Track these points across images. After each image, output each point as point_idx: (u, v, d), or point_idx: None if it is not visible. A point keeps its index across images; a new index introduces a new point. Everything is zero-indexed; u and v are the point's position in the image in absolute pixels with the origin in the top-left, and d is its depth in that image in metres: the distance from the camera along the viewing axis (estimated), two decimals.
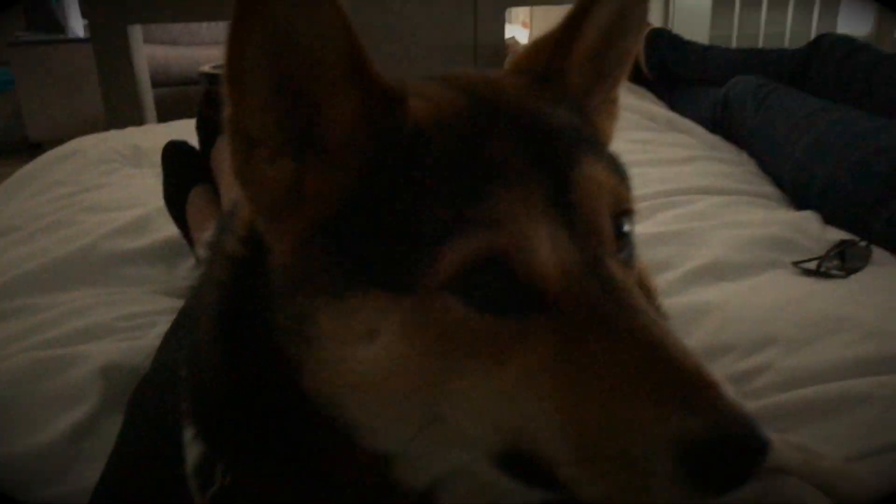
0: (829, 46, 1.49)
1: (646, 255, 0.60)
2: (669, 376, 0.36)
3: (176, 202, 1.05)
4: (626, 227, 0.44)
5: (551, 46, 0.49)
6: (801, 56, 1.54)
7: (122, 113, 2.19)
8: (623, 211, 0.43)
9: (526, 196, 0.38)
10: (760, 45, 2.55)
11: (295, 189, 0.40)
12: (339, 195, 0.40)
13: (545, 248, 0.37)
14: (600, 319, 0.37)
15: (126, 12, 2.14)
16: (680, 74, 1.81)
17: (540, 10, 3.00)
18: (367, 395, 0.40)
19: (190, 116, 1.93)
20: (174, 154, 1.09)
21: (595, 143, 0.46)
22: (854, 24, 2.63)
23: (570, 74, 0.49)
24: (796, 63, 1.54)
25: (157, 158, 1.42)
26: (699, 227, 0.99)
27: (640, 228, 0.96)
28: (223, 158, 1.04)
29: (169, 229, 1.13)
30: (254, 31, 0.38)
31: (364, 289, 0.38)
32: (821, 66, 1.49)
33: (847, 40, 1.50)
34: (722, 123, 1.49)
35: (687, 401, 0.35)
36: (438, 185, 0.38)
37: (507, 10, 2.36)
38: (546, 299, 0.38)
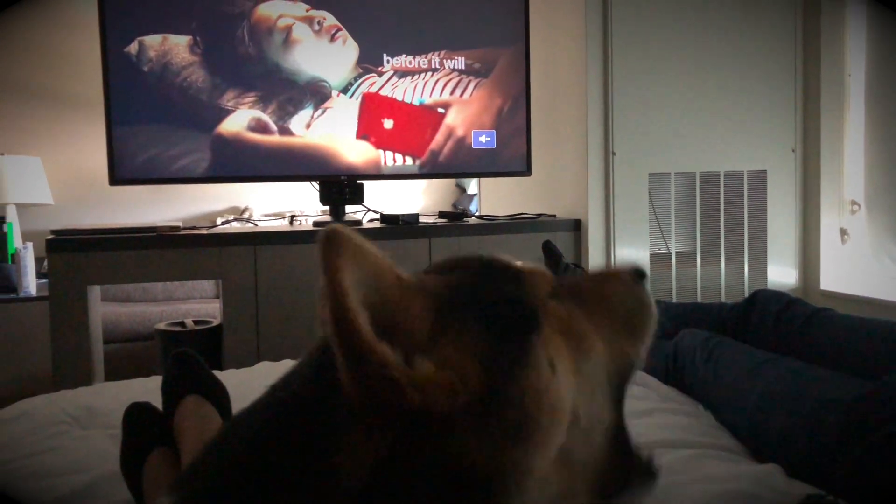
0: (764, 301, 1.60)
1: None
2: None
3: (133, 466, 1.01)
4: None
5: None
6: (741, 310, 1.64)
7: (71, 371, 2.17)
8: None
9: None
10: (698, 297, 2.71)
11: None
12: None
13: None
14: None
15: (89, 273, 2.19)
16: None
17: None
18: None
19: (137, 373, 1.91)
20: (136, 416, 1.07)
21: None
22: (782, 277, 2.83)
23: None
24: (736, 316, 1.63)
25: (110, 419, 1.38)
26: (669, 482, 0.99)
27: None
28: (186, 423, 1.02)
29: (120, 495, 1.07)
30: None
31: None
32: (759, 319, 1.58)
33: (780, 295, 1.61)
34: (674, 375, 1.54)
35: None
36: None
37: None
38: None
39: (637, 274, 0.65)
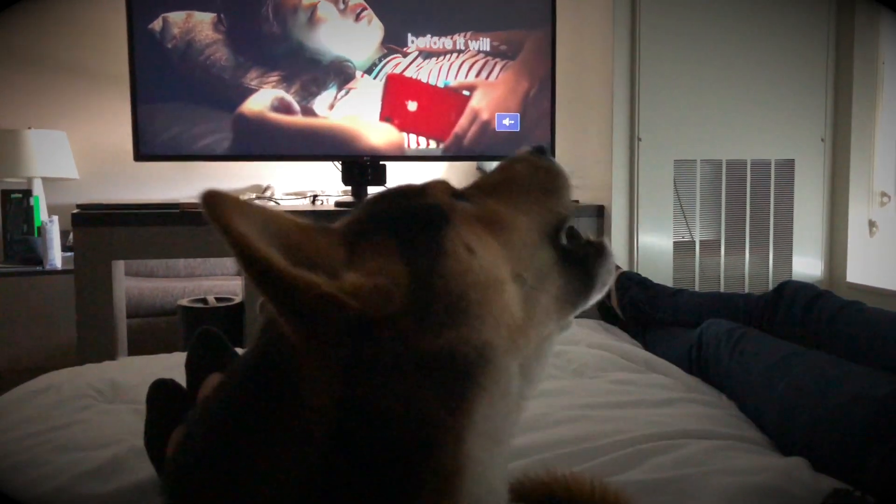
0: (792, 293, 1.58)
1: None
2: None
3: (157, 443, 1.02)
4: None
5: None
6: (767, 301, 1.62)
7: (95, 345, 2.19)
8: None
9: None
10: (722, 286, 2.69)
11: None
12: None
13: None
14: None
15: (113, 247, 2.20)
16: (651, 316, 1.88)
17: None
18: None
19: (159, 348, 1.93)
20: (160, 393, 1.07)
21: None
22: (807, 268, 2.80)
23: None
24: (763, 307, 1.61)
25: (135, 394, 1.40)
26: (692, 474, 0.98)
27: (638, 475, 0.95)
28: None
29: (145, 471, 1.08)
30: None
31: None
32: (787, 311, 1.56)
33: (809, 287, 1.59)
34: (698, 365, 1.52)
35: None
36: None
37: None
38: None
39: (536, 150, 0.71)
